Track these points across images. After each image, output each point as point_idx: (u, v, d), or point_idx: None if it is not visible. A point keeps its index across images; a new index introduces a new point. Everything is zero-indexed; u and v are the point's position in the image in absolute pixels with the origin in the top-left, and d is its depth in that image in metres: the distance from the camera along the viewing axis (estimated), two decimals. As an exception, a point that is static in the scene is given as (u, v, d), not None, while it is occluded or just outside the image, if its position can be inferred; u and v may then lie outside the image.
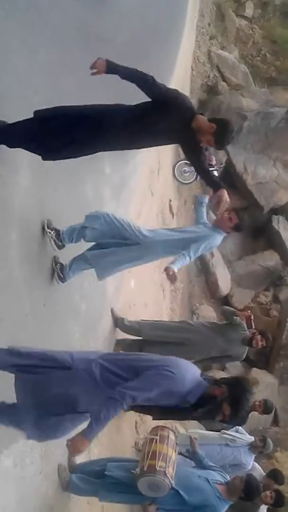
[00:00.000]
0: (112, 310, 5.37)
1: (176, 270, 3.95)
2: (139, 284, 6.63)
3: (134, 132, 3.05)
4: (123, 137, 3.06)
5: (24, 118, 2.96)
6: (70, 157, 3.18)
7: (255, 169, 10.67)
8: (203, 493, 3.75)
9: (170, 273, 3.93)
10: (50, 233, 3.64)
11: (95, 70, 2.89)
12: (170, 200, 8.58)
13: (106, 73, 2.89)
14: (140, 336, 5.38)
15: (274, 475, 5.38)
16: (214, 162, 8.19)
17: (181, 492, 3.71)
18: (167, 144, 3.42)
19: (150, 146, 3.43)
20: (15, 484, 3.07)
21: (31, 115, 2.97)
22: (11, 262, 3.14)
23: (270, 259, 11.29)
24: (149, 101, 3.03)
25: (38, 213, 3.61)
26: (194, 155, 3.26)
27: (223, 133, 3.06)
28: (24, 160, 3.27)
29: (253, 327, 5.30)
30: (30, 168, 3.36)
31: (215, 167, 8.14)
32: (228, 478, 3.94)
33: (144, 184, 7.16)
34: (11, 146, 3.01)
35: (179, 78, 9.12)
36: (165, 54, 7.71)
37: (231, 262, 11.27)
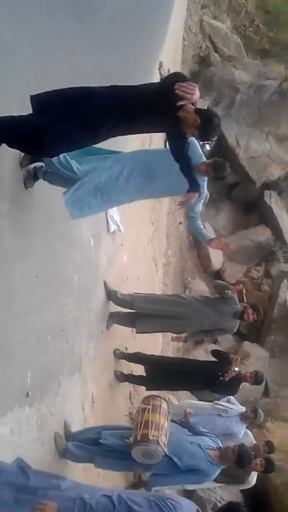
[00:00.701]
0: (105, 283, 5.39)
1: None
2: (131, 258, 6.66)
3: (132, 120, 3.00)
4: (121, 124, 3.01)
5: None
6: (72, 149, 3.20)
7: (247, 143, 10.62)
8: (195, 458, 3.86)
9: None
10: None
11: None
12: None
13: None
14: (133, 309, 5.42)
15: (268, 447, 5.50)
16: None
17: (174, 458, 3.82)
18: (157, 131, 3.43)
19: (142, 133, 3.43)
20: (12, 451, 3.12)
21: (21, 87, 2.91)
22: (0, 233, 3.14)
23: (262, 234, 11.34)
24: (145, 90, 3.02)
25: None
26: (178, 144, 3.24)
27: (207, 127, 3.05)
28: None
29: (245, 300, 5.36)
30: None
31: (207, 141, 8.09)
32: (220, 443, 4.05)
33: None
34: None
35: (170, 49, 8.98)
36: (156, 23, 7.56)
37: (223, 237, 11.29)
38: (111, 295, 5.40)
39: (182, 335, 5.68)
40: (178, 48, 9.99)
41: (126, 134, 3.22)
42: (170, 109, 2.93)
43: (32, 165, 3.52)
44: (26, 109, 2.91)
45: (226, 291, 5.33)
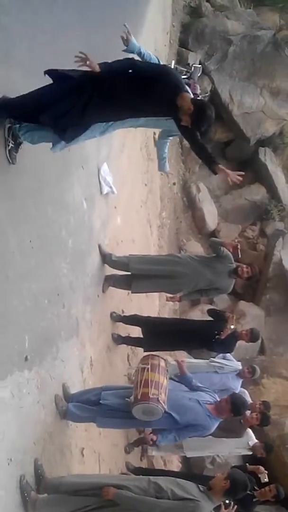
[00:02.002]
0: (99, 246, 5.36)
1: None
2: (125, 220, 6.60)
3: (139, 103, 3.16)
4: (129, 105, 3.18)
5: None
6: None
7: (241, 98, 10.38)
8: (194, 413, 3.97)
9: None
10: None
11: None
12: (154, 133, 8.36)
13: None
14: (128, 271, 5.41)
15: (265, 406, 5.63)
16: (198, 91, 7.94)
17: (173, 414, 3.91)
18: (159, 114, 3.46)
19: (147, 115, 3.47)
20: (13, 413, 3.17)
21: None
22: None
23: (257, 192, 11.27)
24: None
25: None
26: (184, 131, 3.33)
27: (199, 117, 3.14)
28: None
29: (240, 256, 5.34)
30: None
31: (200, 96, 7.90)
32: (217, 398, 4.14)
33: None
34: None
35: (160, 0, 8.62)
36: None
37: (218, 197, 11.24)
38: (106, 258, 5.37)
39: (178, 294, 5.69)
40: (168, -1, 9.60)
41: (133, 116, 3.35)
42: (170, 95, 3.10)
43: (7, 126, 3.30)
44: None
45: (221, 248, 5.31)
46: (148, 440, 3.91)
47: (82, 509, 3.30)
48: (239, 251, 5.24)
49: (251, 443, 5.52)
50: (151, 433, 3.93)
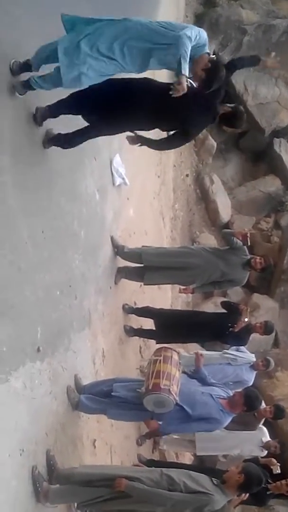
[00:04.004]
0: (112, 238, 5.33)
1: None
2: (138, 212, 6.56)
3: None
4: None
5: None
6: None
7: (255, 89, 10.23)
8: (207, 407, 3.92)
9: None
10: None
11: None
12: None
13: None
14: (141, 263, 5.38)
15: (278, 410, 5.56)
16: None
17: (185, 407, 3.88)
18: None
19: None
20: (26, 404, 3.18)
21: None
22: (4, 189, 3.06)
23: (271, 184, 11.12)
24: None
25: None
26: None
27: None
28: None
29: (249, 243, 5.28)
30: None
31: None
32: (231, 393, 4.10)
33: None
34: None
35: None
36: None
37: (231, 189, 11.13)
38: (118, 250, 5.35)
39: (191, 286, 5.64)
40: (181, -11, 9.47)
41: None
42: None
43: (22, 76, 3.29)
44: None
45: (234, 240, 5.25)
46: (149, 425, 3.87)
47: (93, 500, 3.31)
48: (248, 238, 5.17)
49: (264, 440, 5.48)
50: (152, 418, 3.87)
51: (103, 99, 3.39)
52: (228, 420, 4.00)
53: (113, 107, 3.41)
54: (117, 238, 5.44)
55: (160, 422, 3.94)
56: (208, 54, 3.34)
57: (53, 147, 3.65)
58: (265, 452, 5.47)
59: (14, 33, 3.19)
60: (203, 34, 3.33)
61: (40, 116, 3.48)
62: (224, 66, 3.48)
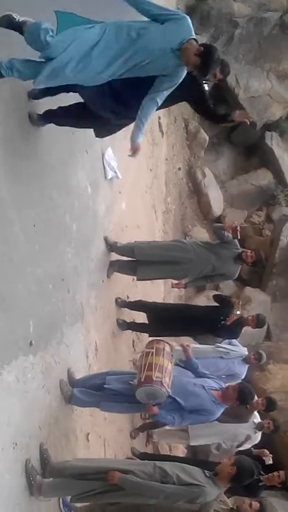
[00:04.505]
0: (105, 238, 5.34)
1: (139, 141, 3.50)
2: (130, 206, 6.54)
3: None
4: None
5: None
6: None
7: (247, 82, 10.18)
8: (199, 398, 3.94)
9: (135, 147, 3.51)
10: None
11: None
12: (159, 118, 8.26)
13: None
14: (134, 257, 5.37)
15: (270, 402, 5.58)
16: (204, 75, 7.78)
17: (177, 399, 3.89)
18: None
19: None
20: (19, 398, 3.17)
21: None
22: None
23: (263, 177, 11.12)
24: None
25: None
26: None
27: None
28: None
29: (239, 237, 5.29)
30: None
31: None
32: (223, 385, 4.12)
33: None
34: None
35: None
36: None
37: (223, 183, 11.11)
38: (112, 247, 5.36)
39: (183, 281, 5.65)
40: (172, -19, 9.39)
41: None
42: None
43: None
44: None
45: (225, 233, 5.26)
46: (150, 410, 3.88)
47: (87, 493, 3.32)
48: (238, 232, 5.18)
49: (256, 421, 5.50)
50: (154, 405, 3.87)
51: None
52: (220, 412, 4.02)
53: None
54: (110, 237, 5.43)
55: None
56: (195, 40, 3.15)
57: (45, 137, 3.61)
58: (259, 433, 5.50)
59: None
60: (186, 21, 3.15)
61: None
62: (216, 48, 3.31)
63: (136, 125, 3.42)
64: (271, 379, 7.95)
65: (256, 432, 5.53)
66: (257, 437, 5.57)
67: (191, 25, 3.16)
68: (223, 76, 3.70)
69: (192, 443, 5.74)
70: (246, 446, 5.58)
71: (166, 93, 3.31)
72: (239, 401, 3.99)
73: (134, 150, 3.53)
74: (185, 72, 3.30)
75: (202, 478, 3.34)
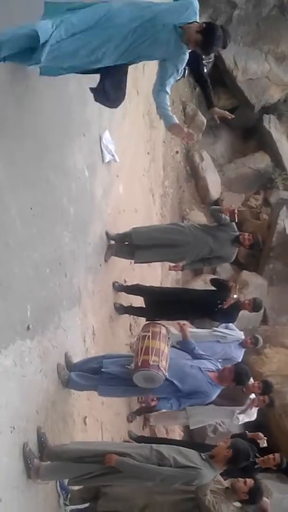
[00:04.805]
0: (107, 233, 5.36)
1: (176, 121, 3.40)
2: (128, 189, 6.48)
3: None
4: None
5: None
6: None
7: (245, 64, 10.05)
8: (196, 380, 3.96)
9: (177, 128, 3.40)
10: None
11: None
12: None
13: None
14: (132, 241, 5.35)
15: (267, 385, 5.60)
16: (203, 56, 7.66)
17: (174, 381, 3.91)
18: None
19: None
20: (16, 382, 3.17)
21: None
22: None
23: (261, 161, 11.06)
24: None
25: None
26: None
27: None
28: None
29: (236, 220, 5.28)
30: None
31: (204, 62, 7.63)
32: (219, 366, 4.14)
33: (129, 82, 6.71)
34: None
35: None
36: None
37: (221, 166, 11.05)
38: (113, 238, 5.38)
39: (180, 263, 5.64)
40: None
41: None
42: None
43: None
44: None
45: (223, 216, 5.24)
46: (148, 401, 3.90)
47: (84, 476, 3.34)
48: (236, 215, 5.17)
49: (252, 397, 5.54)
50: (153, 399, 3.90)
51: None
52: (216, 393, 4.05)
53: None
54: (111, 231, 5.43)
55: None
56: (198, 23, 3.12)
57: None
58: (255, 410, 5.53)
59: None
60: (193, 4, 3.14)
61: None
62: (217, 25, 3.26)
63: (161, 113, 3.42)
64: (268, 363, 8.01)
65: (251, 408, 5.55)
66: (253, 413, 5.60)
67: (197, 9, 3.14)
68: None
69: (192, 427, 5.78)
70: (245, 419, 5.61)
71: (172, 81, 3.30)
72: (235, 382, 4.02)
73: (179, 131, 3.40)
74: (187, 56, 3.26)
75: (199, 460, 3.37)
